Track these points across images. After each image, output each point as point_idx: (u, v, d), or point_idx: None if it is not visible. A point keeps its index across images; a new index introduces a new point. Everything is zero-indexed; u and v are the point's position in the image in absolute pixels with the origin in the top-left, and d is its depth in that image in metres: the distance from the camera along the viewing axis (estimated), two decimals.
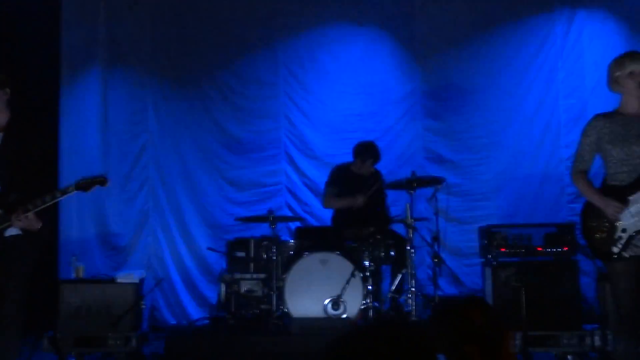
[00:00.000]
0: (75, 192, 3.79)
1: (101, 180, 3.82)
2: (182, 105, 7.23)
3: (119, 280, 5.41)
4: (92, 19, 7.02)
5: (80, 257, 5.94)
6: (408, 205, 5.54)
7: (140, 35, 7.16)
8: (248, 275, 5.75)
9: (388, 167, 6.59)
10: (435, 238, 5.78)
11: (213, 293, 6.63)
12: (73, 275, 5.58)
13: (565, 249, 5.34)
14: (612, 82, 3.72)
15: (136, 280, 5.43)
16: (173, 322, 6.84)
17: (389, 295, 5.75)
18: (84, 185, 3.80)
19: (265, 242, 5.75)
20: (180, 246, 7.03)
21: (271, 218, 5.67)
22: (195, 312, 6.84)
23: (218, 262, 6.61)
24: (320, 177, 6.90)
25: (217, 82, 7.25)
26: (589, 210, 3.73)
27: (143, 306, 5.53)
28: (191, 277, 6.97)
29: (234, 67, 7.25)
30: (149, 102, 7.17)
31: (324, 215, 6.89)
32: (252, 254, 5.83)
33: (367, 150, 6.12)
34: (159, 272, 6.93)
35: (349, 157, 6.38)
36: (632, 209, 3.56)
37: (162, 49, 7.20)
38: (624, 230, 3.57)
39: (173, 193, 7.12)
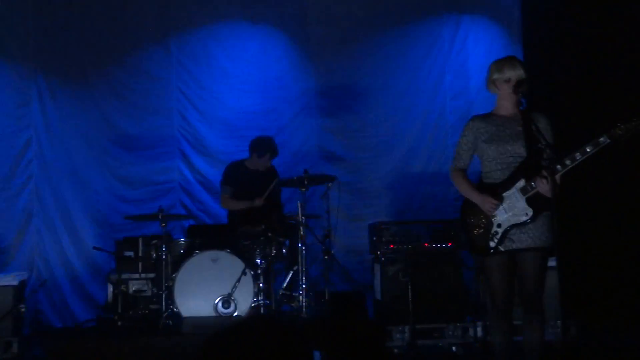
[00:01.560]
0: None
1: None
2: (70, 100, 6.97)
3: None
4: None
5: None
6: (300, 203, 5.58)
7: (22, 26, 6.83)
8: (137, 275, 5.62)
9: (283, 164, 6.61)
10: (327, 235, 5.85)
11: (102, 294, 6.43)
12: None
13: (450, 244, 5.55)
14: (490, 83, 3.89)
15: (15, 283, 5.19)
16: (59, 325, 6.59)
17: (281, 292, 5.77)
18: None
19: (154, 241, 5.64)
20: (67, 246, 6.78)
21: (161, 216, 5.56)
22: (83, 314, 6.61)
23: (107, 262, 6.42)
24: (215, 174, 6.84)
25: (107, 76, 7.05)
26: (468, 207, 3.88)
27: (24, 309, 5.28)
28: (78, 278, 6.74)
29: (124, 61, 7.07)
30: (33, 96, 6.87)
31: (218, 213, 6.83)
32: (140, 253, 5.70)
33: (264, 145, 6.12)
34: (43, 273, 6.66)
35: (244, 155, 6.35)
36: (506, 205, 3.73)
37: (47, 41, 6.92)
38: (499, 226, 3.73)
39: (60, 191, 6.86)
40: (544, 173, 3.51)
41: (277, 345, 1.75)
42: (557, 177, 3.56)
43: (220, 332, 1.77)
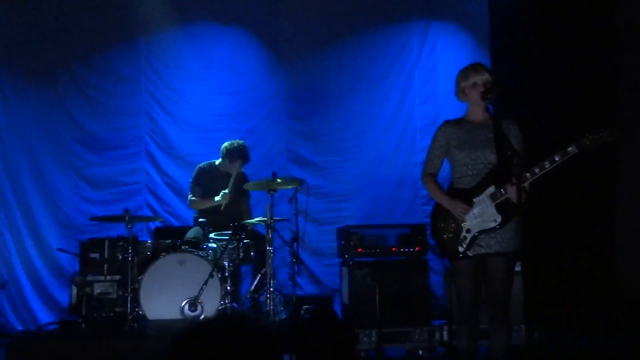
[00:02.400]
0: None
1: None
2: (35, 99, 6.85)
3: None
4: None
5: None
6: (268, 206, 5.57)
7: None
8: (102, 277, 5.54)
9: (251, 167, 6.58)
10: (295, 238, 5.85)
11: (65, 296, 6.33)
12: None
13: (417, 248, 5.58)
14: (459, 92, 3.94)
15: None
16: (20, 327, 6.46)
17: (248, 295, 5.75)
18: None
19: (120, 243, 5.57)
20: (29, 247, 6.66)
21: (127, 217, 5.49)
22: (45, 316, 6.50)
23: (71, 264, 6.32)
24: (183, 176, 6.79)
25: (74, 75, 6.95)
26: (438, 212, 3.92)
27: None
28: (41, 280, 6.62)
29: (92, 60, 6.98)
30: None
31: (185, 215, 6.78)
32: (106, 255, 5.62)
33: (236, 151, 6.09)
34: (5, 274, 6.53)
35: (212, 157, 6.32)
36: (476, 210, 3.78)
37: (12, 38, 6.79)
38: (468, 231, 3.78)
39: (22, 191, 6.74)
40: (514, 180, 3.56)
41: (246, 344, 1.72)
42: (526, 184, 3.62)
43: (187, 331, 1.74)
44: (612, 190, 5.73)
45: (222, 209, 5.95)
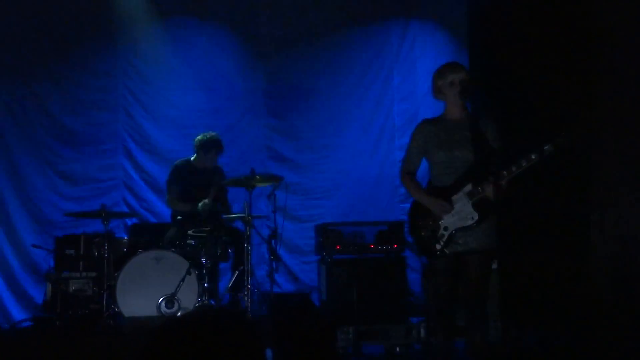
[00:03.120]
0: None
1: None
2: (9, 93, 6.74)
3: None
4: None
5: None
6: (246, 203, 5.54)
7: None
8: (77, 274, 5.48)
9: (230, 164, 6.56)
10: (273, 235, 5.83)
11: (39, 293, 6.24)
12: None
13: (395, 246, 5.61)
14: (436, 91, 3.95)
15: None
16: None
17: (226, 292, 5.73)
18: None
19: (96, 239, 5.52)
20: (3, 243, 6.56)
21: (103, 214, 5.44)
22: (19, 313, 6.40)
23: (46, 260, 6.23)
24: (160, 172, 6.73)
25: (50, 69, 6.86)
26: (416, 210, 3.94)
27: None
28: (15, 276, 6.52)
29: (68, 55, 6.88)
30: None
31: (162, 211, 6.73)
32: (82, 252, 5.56)
33: (209, 141, 6.06)
34: None
35: (190, 153, 6.27)
36: (454, 208, 3.79)
37: None
38: (445, 229, 3.79)
39: None
40: (491, 178, 3.58)
41: (227, 337, 1.67)
42: (503, 182, 3.65)
43: (165, 325, 1.70)
44: (588, 188, 5.79)
45: (202, 216, 5.89)
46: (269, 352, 2.80)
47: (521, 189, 4.10)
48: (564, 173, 5.55)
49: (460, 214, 3.76)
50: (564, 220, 5.83)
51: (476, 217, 3.72)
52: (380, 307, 5.41)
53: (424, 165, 4.03)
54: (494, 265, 5.14)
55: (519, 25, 6.15)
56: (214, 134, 6.15)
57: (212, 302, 5.48)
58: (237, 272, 5.71)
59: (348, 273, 5.43)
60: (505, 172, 3.64)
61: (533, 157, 3.62)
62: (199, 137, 6.12)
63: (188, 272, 5.27)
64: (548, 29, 5.84)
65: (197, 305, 5.31)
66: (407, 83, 7.31)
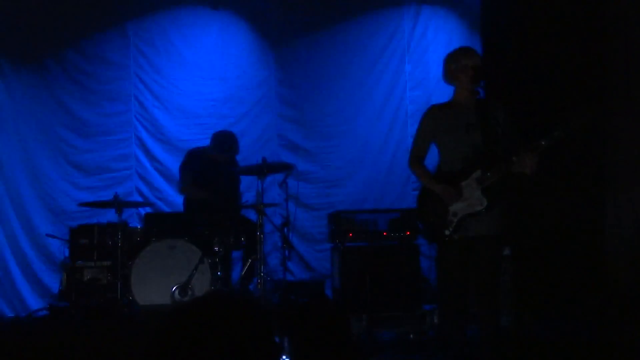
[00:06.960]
0: None
1: None
2: (23, 84, 6.78)
3: None
4: None
5: None
6: (259, 191, 5.55)
7: None
8: (92, 263, 5.52)
9: (242, 153, 6.54)
10: (286, 224, 5.83)
11: (55, 282, 6.30)
12: None
13: (408, 233, 5.59)
14: (448, 74, 3.93)
15: None
16: (10, 314, 6.44)
17: (239, 281, 5.74)
18: None
19: (110, 229, 5.55)
20: (19, 234, 6.61)
21: (116, 203, 5.47)
22: (35, 303, 6.46)
23: (61, 250, 6.27)
24: (173, 162, 6.75)
25: (63, 60, 6.88)
26: (425, 195, 3.92)
27: None
28: (31, 266, 6.59)
29: (80, 45, 6.90)
30: None
31: (175, 200, 6.75)
32: (96, 241, 5.60)
33: (226, 144, 6.02)
34: None
35: (202, 142, 6.28)
36: (463, 194, 3.77)
37: None
38: (454, 214, 3.78)
39: (12, 177, 6.68)
40: (529, 146, 3.54)
41: (236, 319, 1.67)
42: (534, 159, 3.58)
43: (176, 309, 1.70)
44: (603, 175, 5.74)
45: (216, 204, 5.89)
46: (285, 342, 2.80)
47: (536, 175, 4.07)
48: (578, 158, 5.51)
49: (469, 200, 3.74)
50: (578, 205, 5.79)
51: (485, 203, 3.70)
52: (393, 294, 5.40)
53: (432, 151, 4.01)
54: (507, 252, 5.12)
55: (531, 11, 6.09)
56: (231, 135, 6.07)
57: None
58: (249, 260, 5.72)
59: (361, 261, 5.42)
60: (543, 142, 3.57)
61: (543, 142, 3.58)
62: (216, 135, 6.06)
63: (201, 261, 5.29)
64: (561, 13, 5.78)
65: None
66: (420, 70, 7.27)
